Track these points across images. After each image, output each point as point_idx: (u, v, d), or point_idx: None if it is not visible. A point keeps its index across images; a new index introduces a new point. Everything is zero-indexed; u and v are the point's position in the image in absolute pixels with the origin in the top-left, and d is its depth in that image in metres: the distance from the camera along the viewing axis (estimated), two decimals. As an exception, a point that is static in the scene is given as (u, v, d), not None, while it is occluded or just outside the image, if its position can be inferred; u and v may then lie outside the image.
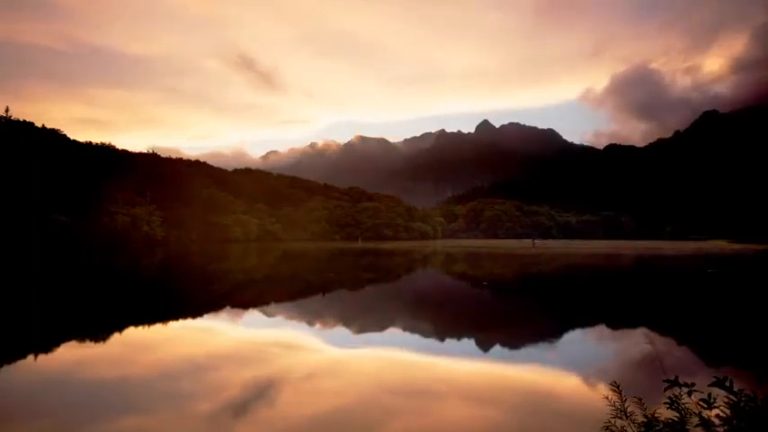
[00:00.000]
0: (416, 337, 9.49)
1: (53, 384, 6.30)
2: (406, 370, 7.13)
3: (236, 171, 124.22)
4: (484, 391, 6.22)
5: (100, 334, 9.42)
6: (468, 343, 9.42)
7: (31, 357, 7.76)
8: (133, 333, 9.67)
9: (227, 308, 13.15)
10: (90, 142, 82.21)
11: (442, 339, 9.58)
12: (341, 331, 10.16)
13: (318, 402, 5.58)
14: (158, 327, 10.41)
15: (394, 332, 10.02)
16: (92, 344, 8.75)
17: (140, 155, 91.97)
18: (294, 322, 11.03)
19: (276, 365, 7.30)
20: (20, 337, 9.13)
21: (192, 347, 8.43)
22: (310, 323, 10.89)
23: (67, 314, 11.95)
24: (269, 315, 12.01)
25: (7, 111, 67.03)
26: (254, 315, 12.07)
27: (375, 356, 7.94)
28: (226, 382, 6.33)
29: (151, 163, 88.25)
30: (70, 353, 8.04)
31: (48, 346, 8.39)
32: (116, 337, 9.28)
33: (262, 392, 5.96)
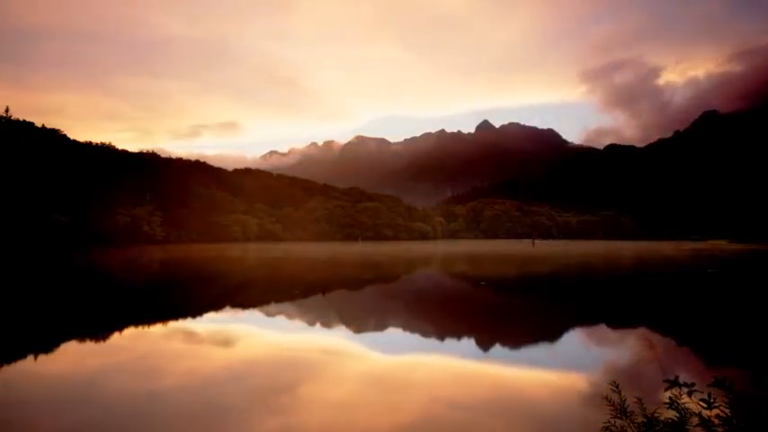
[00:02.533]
0: (459, 343, 9.27)
1: (73, 400, 5.71)
2: (458, 378, 6.70)
3: (236, 171, 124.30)
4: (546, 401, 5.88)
5: (103, 339, 9.40)
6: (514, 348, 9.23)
7: (43, 369, 7.22)
8: (150, 338, 9.21)
9: (247, 309, 13.13)
10: (90, 142, 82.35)
11: (483, 344, 9.29)
12: (376, 334, 9.87)
13: (380, 421, 5.06)
14: (180, 330, 9.99)
15: (430, 337, 9.71)
16: (101, 350, 8.53)
17: (140, 155, 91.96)
18: (323, 326, 10.71)
19: (321, 374, 6.81)
20: (25, 345, 8.82)
21: (229, 353, 8.07)
22: (340, 326, 10.69)
23: (80, 318, 11.90)
24: (293, 317, 11.84)
25: (7, 111, 67.10)
26: (276, 317, 11.73)
27: (421, 363, 7.48)
28: (268, 395, 5.81)
29: (151, 163, 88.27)
30: (88, 362, 7.53)
31: (65, 354, 7.91)
32: (128, 342, 8.90)
33: (309, 407, 5.43)
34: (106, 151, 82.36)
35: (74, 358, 7.76)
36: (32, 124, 71.41)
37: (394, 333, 10.05)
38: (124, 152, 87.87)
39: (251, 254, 43.66)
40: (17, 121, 68.18)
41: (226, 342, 8.90)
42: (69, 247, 50.31)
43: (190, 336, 9.36)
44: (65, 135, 76.04)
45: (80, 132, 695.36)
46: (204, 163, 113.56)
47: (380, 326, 10.95)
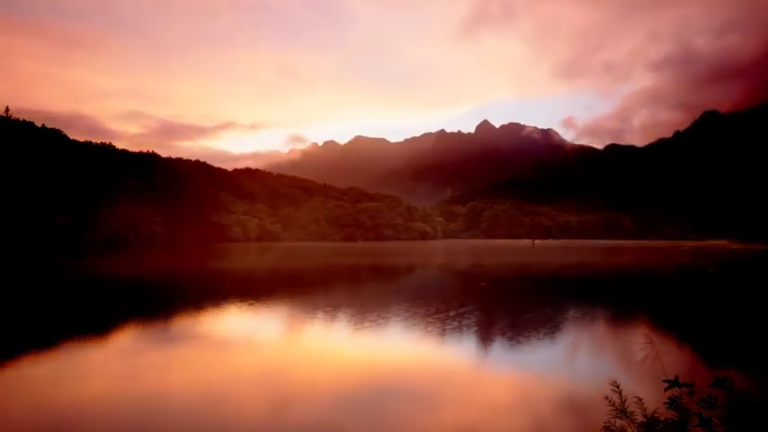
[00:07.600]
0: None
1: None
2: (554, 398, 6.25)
3: (236, 171, 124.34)
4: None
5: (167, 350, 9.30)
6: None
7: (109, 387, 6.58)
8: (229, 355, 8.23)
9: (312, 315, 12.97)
10: (90, 142, 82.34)
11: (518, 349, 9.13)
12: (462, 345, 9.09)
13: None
14: (247, 339, 9.18)
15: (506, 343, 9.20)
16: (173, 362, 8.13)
17: (140, 155, 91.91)
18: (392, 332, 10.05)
19: (426, 398, 6.18)
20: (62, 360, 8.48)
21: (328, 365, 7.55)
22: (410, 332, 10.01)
23: (127, 323, 11.64)
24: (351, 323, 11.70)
25: (7, 111, 67.11)
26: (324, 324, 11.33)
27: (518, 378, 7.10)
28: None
29: (151, 163, 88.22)
30: (152, 378, 6.91)
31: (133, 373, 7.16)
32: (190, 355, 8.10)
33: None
34: (106, 151, 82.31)
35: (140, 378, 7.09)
36: (32, 124, 71.40)
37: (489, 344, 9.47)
38: (124, 152, 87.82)
39: (255, 253, 43.57)
40: (17, 121, 68.16)
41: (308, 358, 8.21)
42: (70, 247, 50.28)
43: (262, 346, 8.65)
44: (65, 135, 76.07)
45: (106, 120, 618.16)
46: (204, 163, 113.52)
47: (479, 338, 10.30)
